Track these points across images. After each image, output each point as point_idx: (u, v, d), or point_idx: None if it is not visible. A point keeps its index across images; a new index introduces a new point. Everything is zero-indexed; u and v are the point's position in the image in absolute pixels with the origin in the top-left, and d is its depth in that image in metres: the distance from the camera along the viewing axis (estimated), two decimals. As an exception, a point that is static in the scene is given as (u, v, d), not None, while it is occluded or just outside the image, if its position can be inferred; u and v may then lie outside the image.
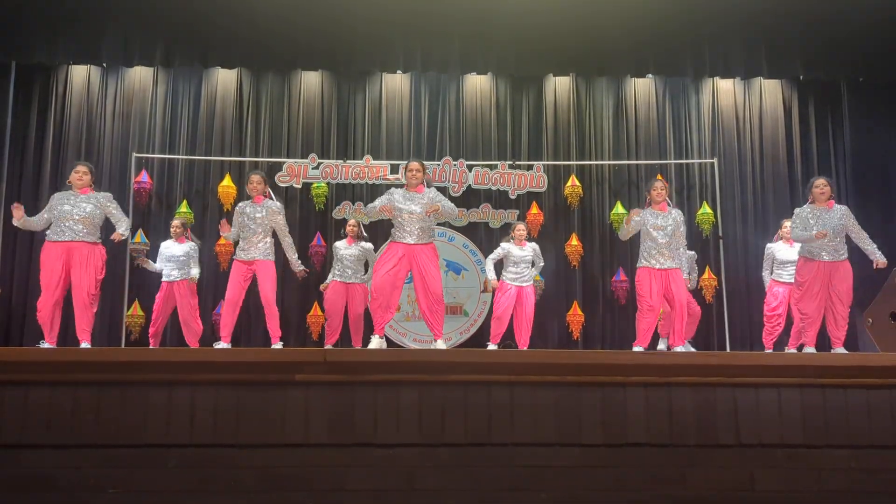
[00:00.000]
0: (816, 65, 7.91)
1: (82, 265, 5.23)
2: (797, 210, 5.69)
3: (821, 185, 5.55)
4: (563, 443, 3.12)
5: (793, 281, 6.10)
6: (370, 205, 5.65)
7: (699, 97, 8.75)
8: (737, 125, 8.71)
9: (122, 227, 5.48)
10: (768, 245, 7.05)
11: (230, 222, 5.95)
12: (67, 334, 6.11)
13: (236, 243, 6.00)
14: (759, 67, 7.95)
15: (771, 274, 6.93)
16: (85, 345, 5.23)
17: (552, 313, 8.22)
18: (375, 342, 5.32)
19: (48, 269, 5.22)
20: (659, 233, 5.62)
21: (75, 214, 5.28)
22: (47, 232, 5.37)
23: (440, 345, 5.31)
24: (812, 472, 3.13)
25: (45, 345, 5.18)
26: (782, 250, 6.87)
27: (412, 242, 5.33)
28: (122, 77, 8.41)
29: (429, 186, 5.59)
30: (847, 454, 3.15)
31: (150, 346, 6.72)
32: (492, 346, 6.75)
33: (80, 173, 5.45)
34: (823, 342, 5.80)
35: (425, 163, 6.04)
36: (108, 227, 5.56)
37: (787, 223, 6.95)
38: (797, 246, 6.64)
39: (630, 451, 3.13)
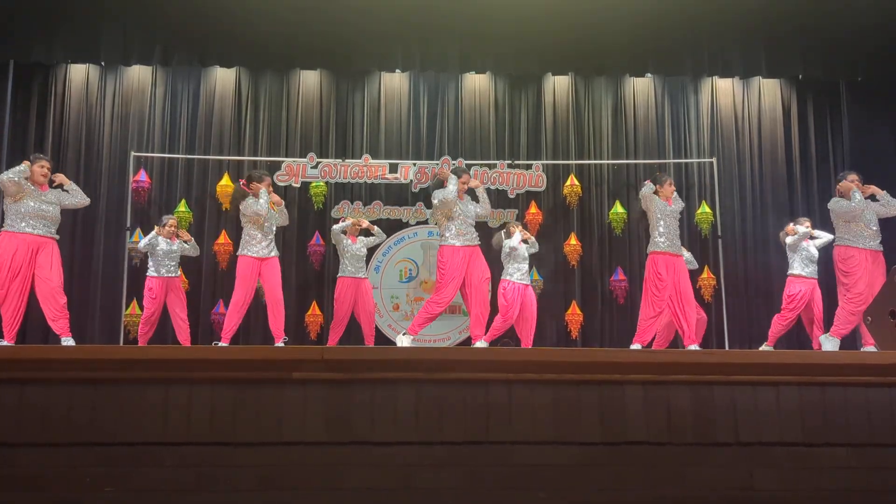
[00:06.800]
0: (815, 64, 7.91)
1: None
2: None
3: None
4: (561, 441, 3.11)
5: (798, 273, 6.70)
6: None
7: (698, 97, 8.74)
8: (736, 125, 8.71)
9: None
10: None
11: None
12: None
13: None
14: (758, 67, 7.95)
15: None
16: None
17: (551, 313, 8.20)
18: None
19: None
20: (673, 220, 5.88)
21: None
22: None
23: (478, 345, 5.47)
24: (811, 470, 3.12)
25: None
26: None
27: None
28: (121, 76, 8.39)
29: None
30: (846, 452, 3.14)
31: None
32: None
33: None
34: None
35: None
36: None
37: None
38: (796, 238, 6.75)
39: (628, 450, 3.12)
